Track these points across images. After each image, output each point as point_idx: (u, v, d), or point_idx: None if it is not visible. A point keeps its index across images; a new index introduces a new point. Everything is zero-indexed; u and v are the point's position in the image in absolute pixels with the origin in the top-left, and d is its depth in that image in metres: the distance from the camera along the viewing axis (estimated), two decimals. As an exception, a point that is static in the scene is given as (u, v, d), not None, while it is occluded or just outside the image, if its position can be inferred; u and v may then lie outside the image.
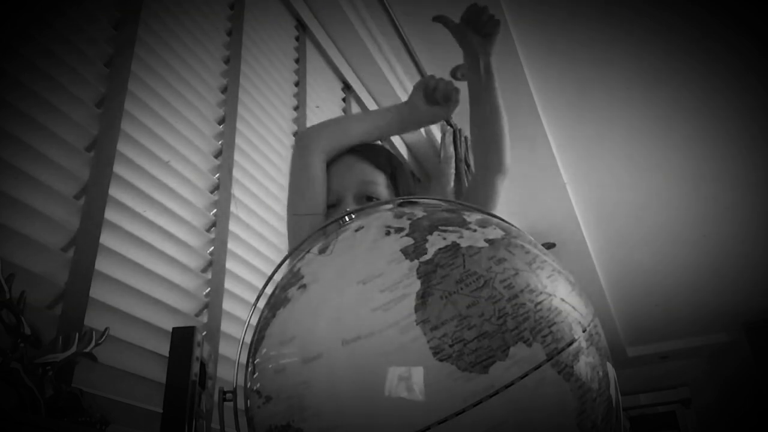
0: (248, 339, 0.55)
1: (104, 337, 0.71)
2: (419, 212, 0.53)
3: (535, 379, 0.43)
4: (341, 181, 0.96)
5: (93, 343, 0.69)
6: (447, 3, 2.00)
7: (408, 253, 0.47)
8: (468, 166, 2.39)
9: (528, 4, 2.07)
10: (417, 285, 0.45)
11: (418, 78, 2.23)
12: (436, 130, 2.56)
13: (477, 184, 1.04)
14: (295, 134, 1.68)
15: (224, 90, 1.40)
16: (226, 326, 1.17)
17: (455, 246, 0.48)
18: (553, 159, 2.81)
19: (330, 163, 0.99)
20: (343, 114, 2.06)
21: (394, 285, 0.45)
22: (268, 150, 1.51)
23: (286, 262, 0.64)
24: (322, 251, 0.53)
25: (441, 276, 0.45)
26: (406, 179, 1.02)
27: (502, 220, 0.57)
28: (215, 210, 1.25)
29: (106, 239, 0.94)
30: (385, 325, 0.44)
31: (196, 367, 0.69)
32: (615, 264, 3.88)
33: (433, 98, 1.03)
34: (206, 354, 0.73)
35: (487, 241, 0.49)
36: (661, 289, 4.25)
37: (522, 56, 2.26)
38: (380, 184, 0.96)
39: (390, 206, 0.63)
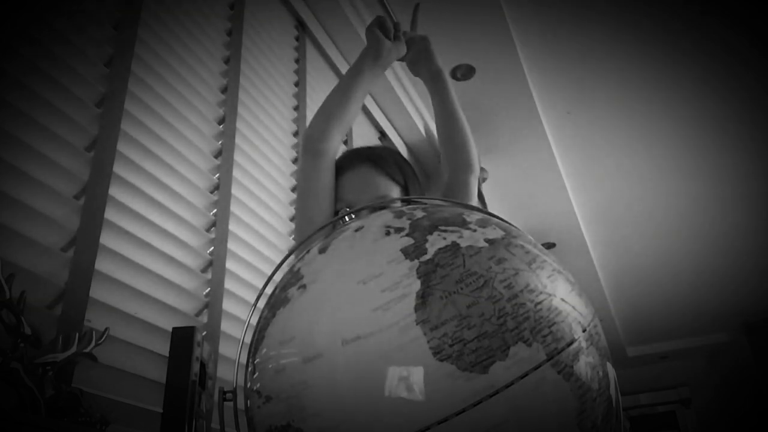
0: (248, 339, 0.55)
1: (104, 337, 0.71)
2: (419, 212, 0.53)
3: (535, 379, 0.43)
4: (356, 193, 0.96)
5: (93, 343, 0.69)
6: (446, 4, 2.01)
7: (408, 253, 0.47)
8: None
9: (528, 4, 2.07)
10: (417, 285, 0.45)
11: (418, 78, 2.23)
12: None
13: (452, 186, 1.05)
14: (295, 134, 1.68)
15: (224, 90, 1.40)
16: (226, 326, 1.17)
17: (455, 246, 0.48)
18: (553, 159, 2.81)
19: (343, 169, 0.99)
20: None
21: (394, 285, 0.45)
22: (268, 150, 1.51)
23: (286, 262, 0.64)
24: (322, 251, 0.53)
25: (441, 276, 0.45)
26: (417, 187, 1.03)
27: (502, 220, 0.57)
28: (215, 210, 1.25)
29: (106, 239, 0.94)
30: (385, 325, 0.44)
31: (196, 367, 0.69)
32: (615, 264, 3.88)
33: (387, 29, 1.06)
34: (206, 354, 0.73)
35: (487, 241, 0.49)
36: (661, 289, 4.25)
37: (522, 56, 2.26)
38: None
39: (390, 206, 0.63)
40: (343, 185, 0.98)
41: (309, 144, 0.97)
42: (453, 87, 1.10)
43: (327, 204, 0.95)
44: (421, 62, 1.11)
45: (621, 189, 3.16)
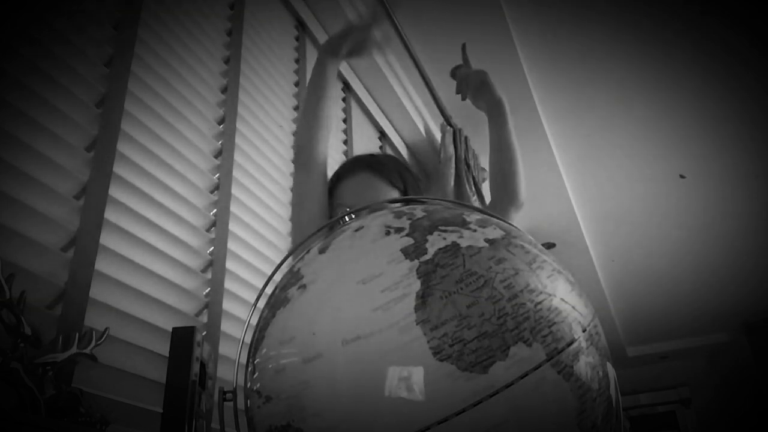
0: (248, 339, 0.55)
1: (104, 337, 0.71)
2: (419, 212, 0.53)
3: (535, 379, 0.43)
4: (356, 197, 0.99)
5: (93, 343, 0.69)
6: (446, 4, 2.01)
7: (408, 253, 0.47)
8: (468, 166, 2.39)
9: (528, 4, 2.07)
10: (417, 285, 0.45)
11: (417, 77, 2.24)
12: (436, 130, 2.56)
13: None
14: (295, 134, 1.68)
15: (224, 90, 1.40)
16: (226, 326, 1.17)
17: (455, 246, 0.48)
18: (553, 159, 2.81)
19: (344, 175, 1.03)
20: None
21: (394, 285, 0.45)
22: (268, 150, 1.51)
23: (286, 262, 0.64)
24: (322, 251, 0.53)
25: (441, 276, 0.45)
26: (417, 192, 1.07)
27: (503, 220, 0.57)
28: (215, 210, 1.25)
29: (106, 239, 0.94)
30: (385, 325, 0.44)
31: (196, 367, 0.69)
32: (615, 264, 3.88)
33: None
34: (206, 354, 0.73)
35: (487, 241, 0.49)
36: (661, 289, 4.25)
37: (522, 56, 2.26)
38: None
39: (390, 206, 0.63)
40: (343, 190, 1.02)
41: (298, 156, 1.03)
42: (512, 118, 1.12)
43: (320, 211, 0.99)
44: (480, 95, 1.14)
45: (621, 189, 3.16)
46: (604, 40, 2.25)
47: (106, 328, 0.73)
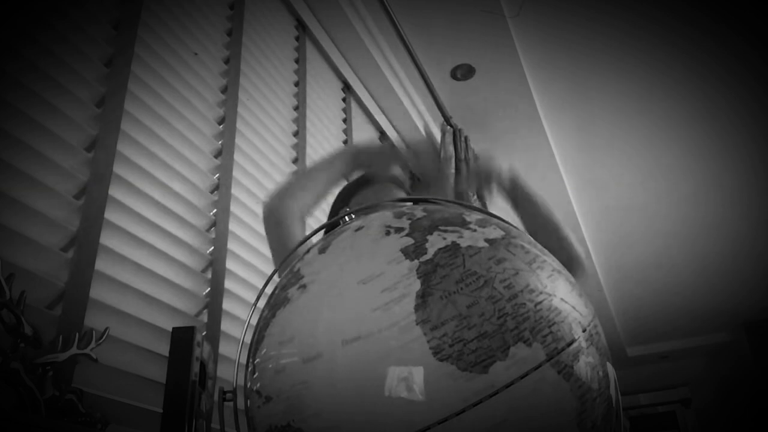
0: (248, 339, 0.55)
1: (104, 337, 0.71)
2: (419, 212, 0.53)
3: (535, 379, 0.43)
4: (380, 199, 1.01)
5: (93, 343, 0.69)
6: (446, 4, 2.01)
7: (408, 253, 0.47)
8: (468, 166, 2.39)
9: (528, 5, 2.07)
10: (417, 285, 0.45)
11: (418, 78, 2.24)
12: (436, 130, 2.56)
13: None
14: (295, 134, 1.68)
15: (224, 90, 1.40)
16: (226, 326, 1.17)
17: (455, 246, 0.48)
18: (553, 159, 2.81)
19: (367, 183, 1.06)
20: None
21: (394, 285, 0.45)
22: (268, 150, 1.51)
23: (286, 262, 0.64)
24: (322, 251, 0.53)
25: (441, 276, 0.45)
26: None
27: (502, 220, 0.57)
28: (215, 210, 1.25)
29: (106, 239, 0.94)
30: (385, 325, 0.44)
31: (196, 367, 0.69)
32: (615, 264, 3.88)
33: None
34: (206, 354, 0.73)
35: (487, 241, 0.49)
36: (661, 289, 4.25)
37: (522, 56, 2.26)
38: None
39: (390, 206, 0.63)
40: (366, 195, 1.04)
41: (270, 215, 0.95)
42: (528, 186, 1.00)
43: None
44: (491, 186, 1.03)
45: (621, 189, 3.16)
46: (604, 40, 2.24)
47: (106, 328, 0.73)
